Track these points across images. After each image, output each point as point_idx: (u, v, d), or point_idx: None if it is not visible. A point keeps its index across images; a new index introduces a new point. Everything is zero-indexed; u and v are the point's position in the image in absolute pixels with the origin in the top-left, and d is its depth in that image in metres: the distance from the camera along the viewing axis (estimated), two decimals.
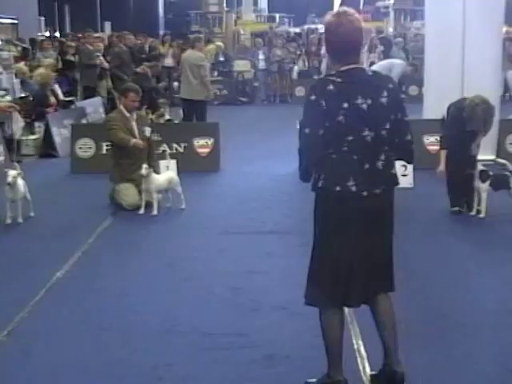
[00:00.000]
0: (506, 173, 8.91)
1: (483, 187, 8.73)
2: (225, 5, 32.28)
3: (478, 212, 8.81)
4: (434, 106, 11.40)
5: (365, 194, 4.13)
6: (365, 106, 4.07)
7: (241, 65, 23.06)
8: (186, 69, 14.10)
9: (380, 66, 14.03)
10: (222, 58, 23.98)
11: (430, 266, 7.08)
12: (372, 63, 20.14)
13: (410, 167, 10.48)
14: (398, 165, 10.00)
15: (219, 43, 24.92)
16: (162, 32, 29.91)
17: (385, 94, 4.14)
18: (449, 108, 8.95)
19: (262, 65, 22.97)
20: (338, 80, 4.07)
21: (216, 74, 23.18)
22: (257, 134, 15.03)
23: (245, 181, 11.08)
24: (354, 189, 4.10)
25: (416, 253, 7.49)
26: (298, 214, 8.68)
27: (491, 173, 8.79)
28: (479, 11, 11.71)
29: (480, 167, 8.78)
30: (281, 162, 11.64)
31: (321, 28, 33.36)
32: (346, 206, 4.13)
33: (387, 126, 4.16)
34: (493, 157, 11.67)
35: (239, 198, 9.96)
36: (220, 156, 12.09)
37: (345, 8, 4.21)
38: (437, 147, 11.28)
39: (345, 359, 4.47)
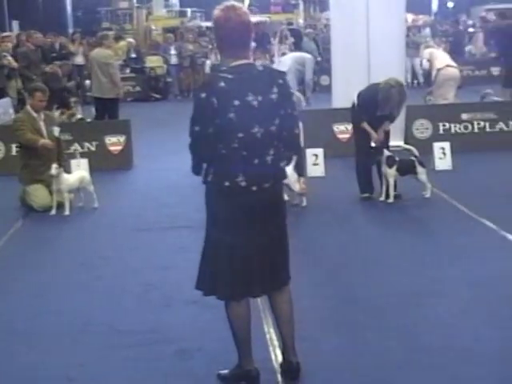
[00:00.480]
0: (412, 158, 9.12)
1: (390, 172, 8.91)
2: (135, 1, 31.99)
3: (387, 197, 8.99)
4: (343, 95, 11.58)
5: (254, 188, 4.14)
6: (255, 103, 4.06)
7: (153, 61, 22.89)
8: (94, 67, 13.95)
9: (293, 58, 14.20)
10: (133, 55, 23.76)
11: (340, 252, 7.19)
12: (283, 54, 20.28)
13: (321, 156, 10.64)
14: (310, 154, 10.44)
15: (130, 40, 24.68)
16: (71, 30, 29.42)
17: (275, 89, 4.14)
18: (358, 95, 9.07)
19: (174, 60, 22.85)
20: (229, 77, 4.05)
21: (128, 70, 23.00)
22: (170, 129, 14.93)
23: (157, 177, 11.05)
24: (243, 184, 4.11)
25: (326, 240, 7.59)
26: None
27: (397, 158, 8.97)
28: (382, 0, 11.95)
29: (386, 153, 8.95)
30: None
31: None
32: (236, 201, 4.15)
33: (276, 122, 4.17)
34: (401, 143, 11.91)
35: (152, 195, 9.93)
36: (132, 153, 12.01)
37: (233, 2, 4.18)
38: (347, 135, 11.57)
39: (257, 348, 4.54)
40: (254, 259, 4.22)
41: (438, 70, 13.32)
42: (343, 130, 11.92)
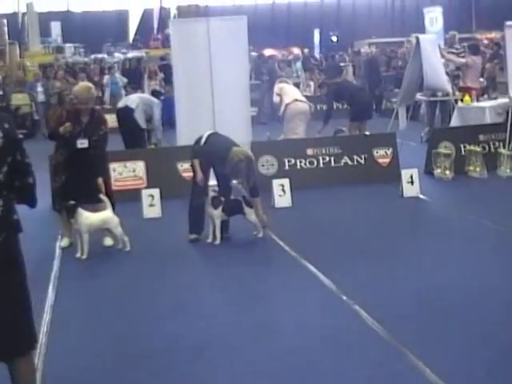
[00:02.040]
0: (238, 198, 8.90)
1: (215, 214, 8.65)
2: (6, 37, 31.13)
3: (214, 239, 8.71)
4: (188, 133, 11.38)
5: None
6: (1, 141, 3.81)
7: (18, 98, 22.17)
8: None
9: (141, 97, 13.86)
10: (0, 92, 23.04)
11: (140, 301, 6.87)
12: (154, 90, 19.98)
13: (157, 196, 10.31)
14: (145, 195, 10.09)
15: None
16: None
17: (0, 134, 3.85)
18: (207, 137, 8.84)
19: (41, 97, 22.19)
20: None
21: None
22: None
23: None
24: None
25: (143, 287, 7.26)
26: None
27: (222, 199, 8.72)
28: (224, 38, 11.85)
29: (211, 194, 8.69)
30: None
31: (108, 57, 33.06)
32: None
33: (5, 169, 3.87)
34: None
35: None
36: None
37: None
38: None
39: None
40: None
41: (287, 104, 13.23)
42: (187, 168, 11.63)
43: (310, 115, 13.49)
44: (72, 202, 8.24)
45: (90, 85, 9.11)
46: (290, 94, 13.46)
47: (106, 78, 23.82)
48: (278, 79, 15.19)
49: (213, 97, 11.99)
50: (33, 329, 4.08)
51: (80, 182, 8.42)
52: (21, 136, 4.12)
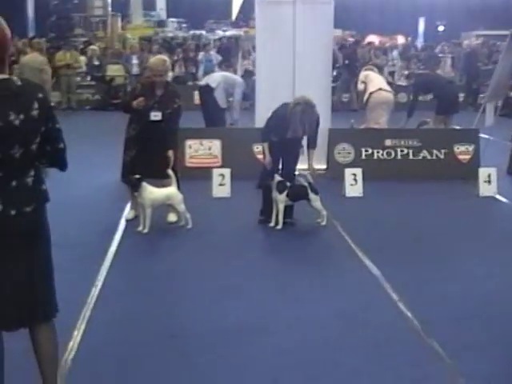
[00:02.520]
0: (305, 184, 8.83)
1: (280, 198, 8.61)
2: (110, 8, 31.74)
3: (276, 223, 8.68)
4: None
5: (13, 212, 3.85)
6: (17, 122, 3.80)
7: (113, 69, 22.60)
8: (26, 73, 13.70)
9: (224, 76, 13.90)
10: (97, 63, 23.57)
11: (191, 280, 6.91)
12: (246, 70, 20.05)
13: (228, 176, 10.34)
14: (216, 174, 10.14)
15: (94, 47, 24.44)
16: (32, 34, 29.18)
17: (35, 105, 3.87)
18: (271, 115, 8.84)
19: (135, 70, 22.57)
20: None
21: (89, 78, 22.77)
22: (107, 140, 14.61)
23: (65, 190, 10.71)
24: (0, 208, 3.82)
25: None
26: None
27: (288, 184, 8.67)
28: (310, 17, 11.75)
29: (277, 178, 8.65)
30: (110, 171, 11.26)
31: (207, 34, 33.28)
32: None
33: (37, 140, 3.92)
34: (324, 166, 11.67)
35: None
36: None
37: None
38: None
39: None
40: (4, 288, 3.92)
41: (371, 93, 13.03)
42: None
43: (393, 105, 13.26)
44: (137, 176, 8.34)
45: (165, 57, 9.18)
46: (375, 83, 13.24)
47: (201, 55, 24.05)
48: (364, 67, 14.96)
49: (294, 81, 11.91)
50: (53, 297, 4.14)
51: (150, 156, 8.50)
52: (52, 104, 4.14)
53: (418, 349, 5.34)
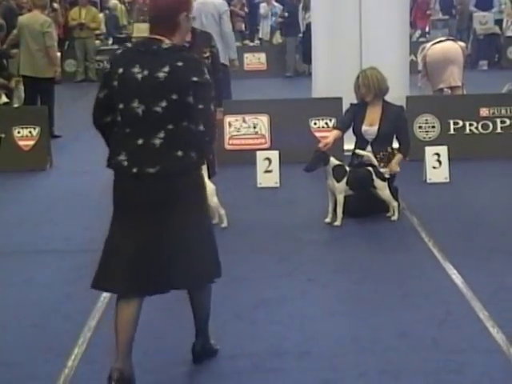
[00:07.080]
0: (369, 168, 8.80)
1: (338, 187, 8.61)
2: None
3: (334, 218, 8.70)
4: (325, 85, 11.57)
5: (134, 170, 4.71)
6: (139, 76, 4.71)
7: (142, 29, 22.85)
8: (25, 37, 13.93)
9: None
10: (121, 22, 23.96)
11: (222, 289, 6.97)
12: (308, 24, 20.17)
13: (276, 161, 10.42)
14: (261, 158, 10.21)
15: (115, 1, 24.69)
16: None
17: (166, 69, 4.67)
18: None
19: None
20: (128, 45, 5.23)
21: (110, 42, 23.14)
22: None
23: (73, 182, 10.96)
24: (125, 164, 4.73)
25: None
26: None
27: (348, 168, 8.68)
28: None
29: (334, 162, 8.64)
30: None
31: None
32: (122, 183, 4.82)
33: (163, 104, 4.69)
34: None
35: (49, 205, 9.89)
36: (51, 150, 11.97)
37: None
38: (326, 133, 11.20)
39: None
40: (139, 251, 4.78)
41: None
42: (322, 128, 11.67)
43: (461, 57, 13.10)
44: None
45: None
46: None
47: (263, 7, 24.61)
48: None
49: (361, 38, 11.90)
50: (218, 258, 5.12)
51: None
52: (195, 79, 4.70)
53: (500, 369, 5.34)
